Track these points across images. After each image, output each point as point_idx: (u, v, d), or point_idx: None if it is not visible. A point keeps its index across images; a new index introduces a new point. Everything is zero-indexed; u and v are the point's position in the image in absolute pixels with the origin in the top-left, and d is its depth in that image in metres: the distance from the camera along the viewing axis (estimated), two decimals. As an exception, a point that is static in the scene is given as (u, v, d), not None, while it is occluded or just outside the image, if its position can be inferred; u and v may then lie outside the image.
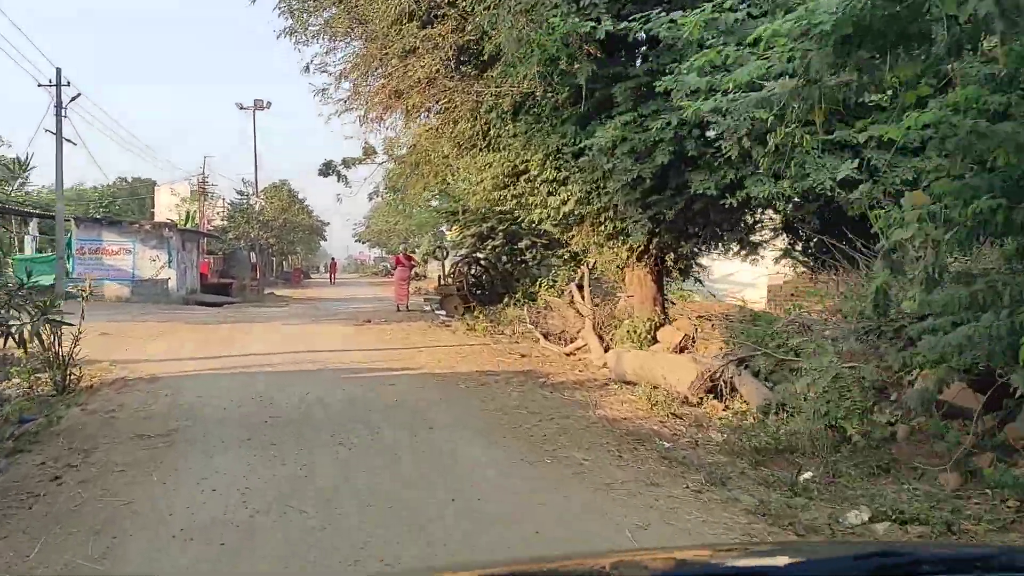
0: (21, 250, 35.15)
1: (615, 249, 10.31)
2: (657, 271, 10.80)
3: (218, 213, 52.25)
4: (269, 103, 42.84)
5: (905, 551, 1.61)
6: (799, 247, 11.54)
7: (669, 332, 10.37)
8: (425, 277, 54.62)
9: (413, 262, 22.49)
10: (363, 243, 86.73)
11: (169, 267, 33.20)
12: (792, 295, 13.43)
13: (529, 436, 7.17)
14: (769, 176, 7.18)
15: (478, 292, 20.60)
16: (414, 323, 18.58)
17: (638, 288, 10.92)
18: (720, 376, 8.39)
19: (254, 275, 42.31)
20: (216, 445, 6.74)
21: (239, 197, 46.08)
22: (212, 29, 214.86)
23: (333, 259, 76.51)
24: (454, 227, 21.26)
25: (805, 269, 12.23)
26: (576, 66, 8.21)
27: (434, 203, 34.82)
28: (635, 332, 10.58)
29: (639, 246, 9.95)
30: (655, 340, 10.53)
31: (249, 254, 45.44)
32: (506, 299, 20.47)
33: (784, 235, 11.43)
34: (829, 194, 6.89)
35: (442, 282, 21.84)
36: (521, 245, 19.30)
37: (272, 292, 41.81)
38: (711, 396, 8.42)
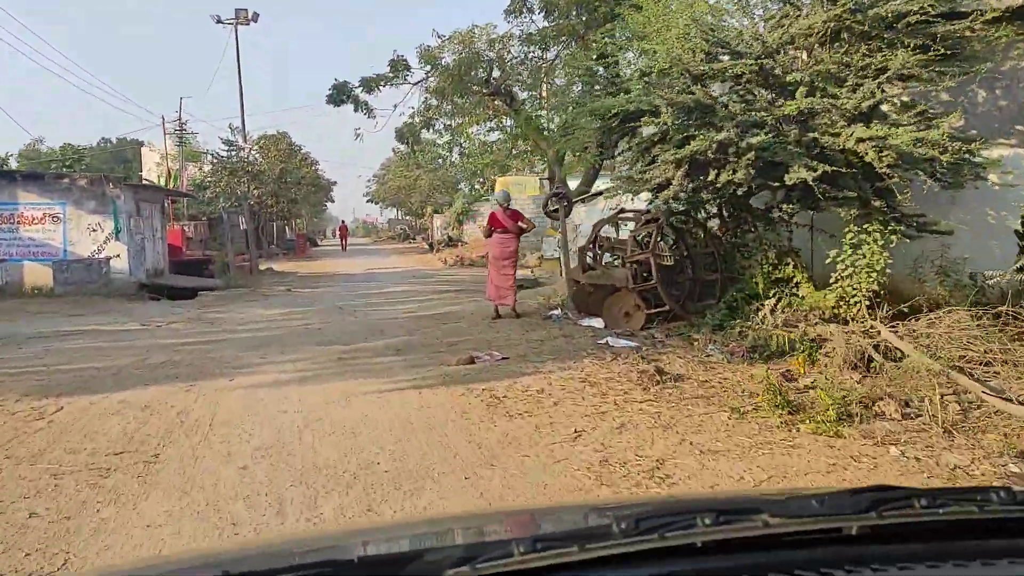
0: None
1: None
2: None
3: (200, 171, 41.43)
4: (256, 15, 31.79)
5: (902, 489, 1.37)
6: None
7: None
8: (462, 243, 43.66)
9: (523, 223, 11.79)
10: (376, 203, 75.95)
11: (116, 239, 22.76)
12: None
13: None
14: None
15: (661, 284, 10.03)
16: (574, 363, 8.08)
17: None
18: None
19: (246, 245, 31.55)
20: None
21: (227, 150, 35.00)
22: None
23: (343, 222, 65.72)
24: (621, 150, 10.49)
25: None
26: None
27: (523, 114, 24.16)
28: None
29: None
30: None
31: (239, 219, 34.69)
32: (730, 299, 10.02)
33: None
34: None
35: (587, 261, 11.17)
36: (797, 175, 8.62)
37: (271, 267, 31.36)
38: None
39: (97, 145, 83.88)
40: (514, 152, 22.79)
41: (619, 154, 10.62)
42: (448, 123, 24.59)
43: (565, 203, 13.07)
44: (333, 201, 73.52)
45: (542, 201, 13.42)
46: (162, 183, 36.37)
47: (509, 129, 22.41)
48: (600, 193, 17.69)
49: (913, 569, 1.15)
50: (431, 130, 25.99)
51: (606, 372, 7.59)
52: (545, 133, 21.54)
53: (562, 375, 7.49)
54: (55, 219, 22.52)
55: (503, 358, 8.41)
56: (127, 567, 2.50)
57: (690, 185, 9.37)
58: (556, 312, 11.43)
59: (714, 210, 11.00)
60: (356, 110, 25.14)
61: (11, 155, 61.45)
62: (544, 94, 21.50)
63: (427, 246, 46.92)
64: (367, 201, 77.68)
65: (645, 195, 11.16)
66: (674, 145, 9.35)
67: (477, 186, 44.85)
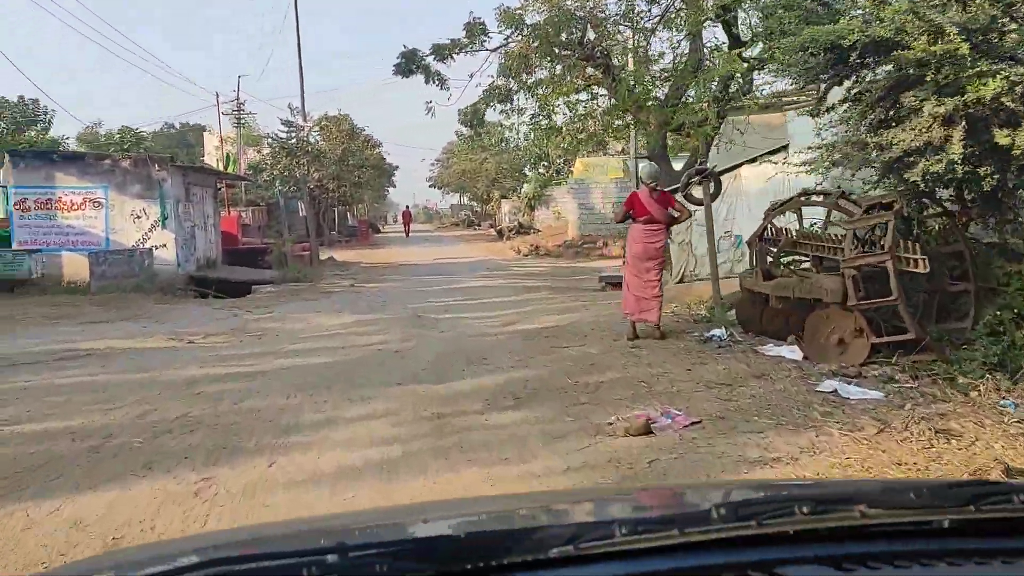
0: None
1: None
2: None
3: (259, 154, 39.18)
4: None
5: (1001, 484, 1.35)
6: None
7: None
8: (534, 230, 40.46)
9: (676, 209, 8.69)
10: (439, 188, 73.29)
11: (163, 227, 20.35)
12: None
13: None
14: None
15: (903, 300, 6.77)
16: (816, 435, 4.97)
17: None
18: None
19: (307, 232, 28.99)
20: None
21: (286, 131, 32.44)
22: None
23: (407, 207, 63.46)
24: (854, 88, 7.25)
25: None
26: None
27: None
28: None
29: None
30: None
31: (299, 204, 32.21)
32: (993, 320, 6.82)
33: None
34: None
35: (760, 262, 7.99)
36: None
37: (332, 257, 28.74)
38: None
39: (160, 130, 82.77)
40: (613, 125, 19.59)
41: (828, 108, 7.41)
42: (533, 92, 21.21)
43: (711, 181, 9.93)
44: (395, 186, 71.29)
45: (682, 180, 10.23)
46: (220, 167, 34.17)
47: (596, 100, 19.22)
48: (734, 167, 14.41)
49: (1014, 563, 1.12)
50: (511, 103, 22.39)
51: (889, 460, 4.48)
52: (648, 104, 18.32)
53: (817, 464, 4.41)
54: (96, 204, 20.22)
55: (693, 422, 5.35)
56: (217, 536, 2.24)
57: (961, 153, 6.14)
58: (718, 332, 8.30)
59: (946, 193, 7.73)
60: (427, 81, 22.05)
61: (68, 138, 60.14)
62: (649, 56, 18.26)
63: (496, 233, 43.95)
64: (429, 186, 75.16)
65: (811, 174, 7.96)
66: (933, 91, 6.12)
67: (542, 170, 41.59)
